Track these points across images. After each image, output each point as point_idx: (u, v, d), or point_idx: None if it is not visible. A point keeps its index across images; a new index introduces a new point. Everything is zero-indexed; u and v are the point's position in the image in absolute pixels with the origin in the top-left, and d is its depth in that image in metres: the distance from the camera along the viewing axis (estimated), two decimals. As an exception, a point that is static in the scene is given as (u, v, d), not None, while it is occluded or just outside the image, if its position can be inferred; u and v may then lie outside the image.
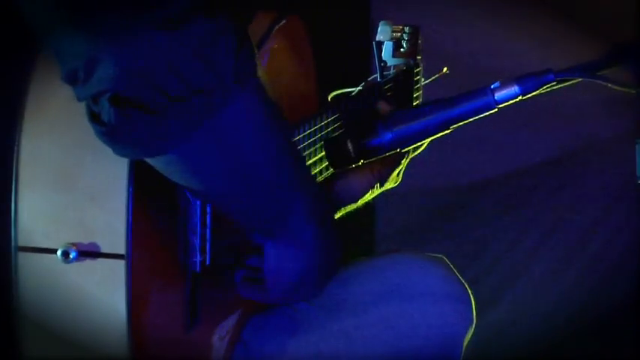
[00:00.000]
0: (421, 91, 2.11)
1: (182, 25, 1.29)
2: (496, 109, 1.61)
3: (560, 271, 3.55)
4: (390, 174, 1.83)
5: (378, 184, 1.84)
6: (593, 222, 3.55)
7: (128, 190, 1.43)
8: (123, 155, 1.37)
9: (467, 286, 1.82)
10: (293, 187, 1.53)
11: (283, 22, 1.83)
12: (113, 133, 1.31)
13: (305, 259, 1.57)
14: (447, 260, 1.88)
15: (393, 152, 1.66)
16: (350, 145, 1.65)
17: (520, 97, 1.59)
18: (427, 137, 1.64)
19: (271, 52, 1.80)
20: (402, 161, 1.82)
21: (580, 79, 1.60)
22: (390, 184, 1.86)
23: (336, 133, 1.81)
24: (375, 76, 2.02)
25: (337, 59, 2.17)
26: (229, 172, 1.45)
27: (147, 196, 1.47)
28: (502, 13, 3.43)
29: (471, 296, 1.81)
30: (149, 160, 1.40)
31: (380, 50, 2.02)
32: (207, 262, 1.58)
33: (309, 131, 1.79)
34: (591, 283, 3.52)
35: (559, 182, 3.58)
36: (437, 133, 1.63)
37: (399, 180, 1.88)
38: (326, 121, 1.82)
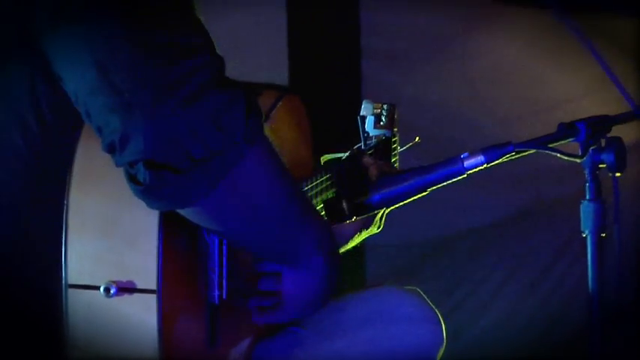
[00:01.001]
0: (397, 157, 2.20)
1: (200, 99, 1.44)
2: (465, 175, 1.72)
3: (517, 306, 3.83)
4: (371, 222, 1.95)
5: (364, 230, 1.96)
6: (544, 267, 3.82)
7: (158, 236, 1.54)
8: (155, 208, 1.50)
9: (437, 311, 1.92)
10: (301, 223, 1.65)
11: (285, 99, 1.94)
12: (148, 191, 1.45)
13: (316, 283, 1.69)
14: (420, 291, 1.97)
15: (380, 210, 1.80)
16: (345, 205, 1.76)
17: (485, 165, 1.71)
18: (409, 198, 1.74)
19: (276, 123, 1.89)
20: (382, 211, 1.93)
21: (535, 151, 1.72)
22: (373, 230, 1.99)
23: (330, 191, 1.94)
24: (359, 144, 2.13)
25: (329, 130, 2.29)
26: (245, 216, 1.57)
27: (174, 240, 1.57)
28: (469, 101, 3.72)
29: (441, 320, 1.92)
30: (182, 212, 1.51)
31: (363, 123, 2.13)
32: (224, 297, 1.68)
33: (305, 189, 1.90)
34: (544, 318, 3.79)
35: (518, 234, 3.86)
36: (417, 195, 1.74)
37: (382, 227, 1.99)
38: (319, 181, 1.93)
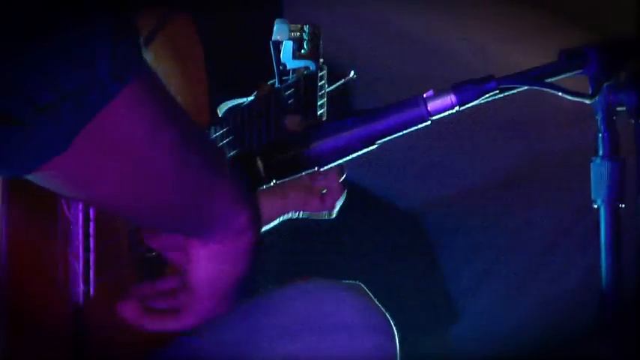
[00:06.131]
0: (325, 99, 2.04)
1: (44, 25, 1.27)
2: (429, 122, 1.51)
3: (512, 295, 3.51)
4: (305, 204, 1.84)
5: (299, 214, 1.85)
6: (539, 252, 3.47)
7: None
8: None
9: (387, 315, 1.81)
10: (210, 174, 1.46)
11: (171, 20, 1.82)
12: None
13: (243, 250, 1.50)
14: (364, 288, 1.83)
15: (310, 170, 1.58)
16: (260, 163, 1.56)
17: (457, 108, 1.50)
18: (350, 154, 1.54)
19: (155, 53, 1.78)
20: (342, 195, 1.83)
21: (526, 88, 1.52)
22: (322, 215, 1.88)
23: (233, 149, 1.81)
24: (273, 81, 1.94)
25: (232, 64, 2.19)
26: (128, 175, 1.38)
27: (22, 216, 1.50)
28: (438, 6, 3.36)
29: (393, 326, 1.79)
30: (32, 177, 1.34)
31: (278, 52, 1.93)
32: (92, 293, 1.55)
33: None
34: (537, 321, 3.49)
35: (506, 205, 3.48)
36: (361, 150, 1.54)
37: (335, 212, 1.87)
38: (217, 135, 1.79)
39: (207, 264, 1.50)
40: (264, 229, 1.85)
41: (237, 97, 1.96)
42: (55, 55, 1.27)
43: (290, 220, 1.94)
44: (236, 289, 1.53)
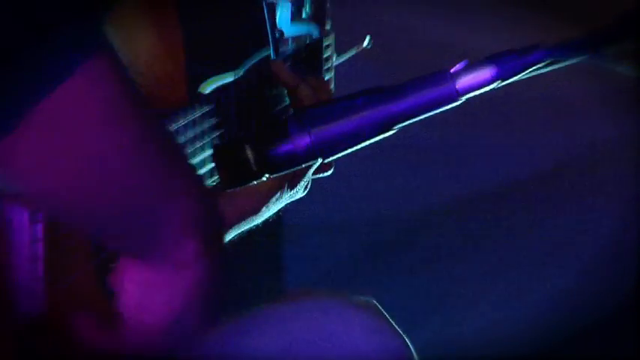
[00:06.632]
0: (333, 73, 1.89)
1: None
2: (459, 102, 1.37)
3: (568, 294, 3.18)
4: (297, 181, 1.69)
5: (283, 193, 1.70)
6: (591, 261, 3.18)
7: None
8: None
9: (406, 340, 1.61)
10: (162, 189, 1.35)
11: None
12: None
13: (182, 287, 1.37)
14: (377, 305, 1.63)
15: (312, 163, 1.44)
16: (250, 153, 1.42)
17: (494, 85, 1.35)
18: (362, 141, 1.42)
19: (122, 17, 1.60)
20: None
21: (581, 59, 1.36)
22: (298, 193, 1.72)
23: (217, 134, 1.63)
24: (267, 52, 1.77)
25: (217, 29, 2.01)
26: (70, 170, 1.27)
27: None
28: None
29: (413, 353, 1.60)
30: None
31: (273, 14, 1.77)
32: (44, 310, 1.40)
33: (175, 128, 1.60)
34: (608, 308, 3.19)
35: (547, 204, 3.22)
36: (375, 136, 1.40)
37: (309, 187, 1.73)
38: (198, 115, 1.61)
39: (136, 290, 1.39)
40: (266, 214, 1.73)
41: (223, 72, 1.75)
42: (9, 19, 1.17)
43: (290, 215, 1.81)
44: (177, 329, 1.40)
